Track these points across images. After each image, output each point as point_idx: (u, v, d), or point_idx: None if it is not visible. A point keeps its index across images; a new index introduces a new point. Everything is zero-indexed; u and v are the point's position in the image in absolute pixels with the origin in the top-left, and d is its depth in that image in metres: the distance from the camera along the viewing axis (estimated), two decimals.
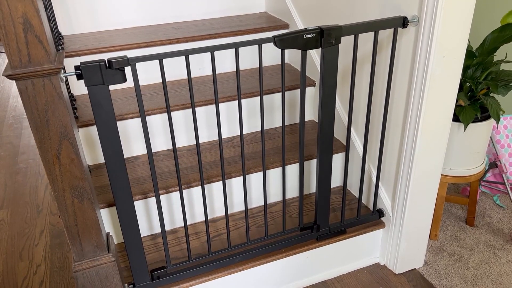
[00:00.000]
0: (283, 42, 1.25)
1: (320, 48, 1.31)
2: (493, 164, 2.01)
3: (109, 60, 1.11)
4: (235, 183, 1.75)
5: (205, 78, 2.07)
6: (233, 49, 2.06)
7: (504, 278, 1.70)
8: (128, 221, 1.33)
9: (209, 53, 2.05)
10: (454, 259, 1.79)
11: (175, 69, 2.04)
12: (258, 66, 2.16)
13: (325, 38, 1.28)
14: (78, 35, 2.07)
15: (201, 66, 2.08)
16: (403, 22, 1.35)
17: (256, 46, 2.11)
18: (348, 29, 1.31)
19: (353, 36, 1.66)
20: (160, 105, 1.82)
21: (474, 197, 1.92)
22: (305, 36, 1.26)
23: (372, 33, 1.57)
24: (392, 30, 1.45)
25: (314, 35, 1.27)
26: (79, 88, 1.94)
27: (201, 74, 2.09)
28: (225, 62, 2.11)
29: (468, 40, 1.45)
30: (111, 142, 1.21)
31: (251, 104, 1.94)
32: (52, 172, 1.15)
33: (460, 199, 2.03)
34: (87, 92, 1.95)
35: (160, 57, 1.16)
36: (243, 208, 1.82)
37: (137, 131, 1.82)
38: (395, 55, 1.45)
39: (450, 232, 1.94)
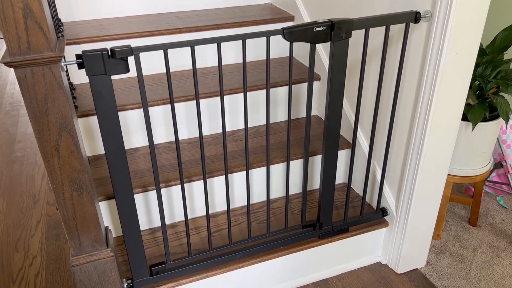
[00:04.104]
0: (292, 35, 1.21)
1: (329, 42, 1.27)
2: (499, 164, 1.98)
3: (112, 49, 1.07)
4: (237, 177, 1.71)
5: (207, 70, 2.03)
6: (237, 41, 2.02)
7: (507, 280, 1.68)
8: (127, 215, 1.30)
9: (211, 45, 2.01)
10: (456, 259, 1.77)
11: (177, 60, 2.00)
12: (261, 58, 2.13)
13: (335, 31, 1.24)
14: (78, 22, 2.02)
15: (203, 57, 2.03)
16: (416, 17, 1.31)
17: (260, 38, 2.07)
18: (359, 23, 1.27)
19: (359, 30, 1.62)
20: (161, 96, 1.77)
21: (478, 197, 1.89)
22: (315, 29, 1.22)
23: (380, 28, 1.53)
24: (402, 25, 1.42)
25: (324, 28, 1.23)
26: (79, 77, 1.90)
27: (203, 65, 2.05)
28: (228, 54, 2.06)
29: None
30: (112, 133, 1.17)
31: (253, 98, 1.90)
32: (51, 164, 1.11)
33: (463, 199, 2.00)
34: (87, 81, 1.91)
35: (164, 48, 1.12)
36: (244, 204, 1.78)
37: (137, 122, 1.78)
38: (405, 51, 1.41)
39: (453, 232, 1.92)
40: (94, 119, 1.71)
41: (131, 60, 1.83)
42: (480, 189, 1.88)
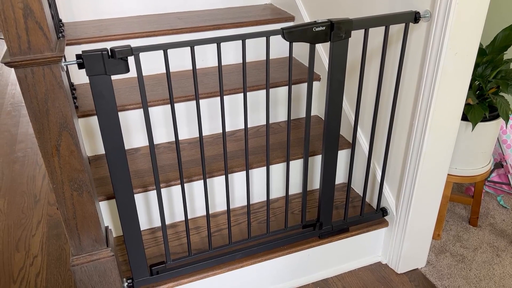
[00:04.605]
0: (291, 35, 1.21)
1: (329, 42, 1.27)
2: (499, 164, 1.98)
3: (112, 49, 1.07)
4: (237, 177, 1.72)
5: (207, 70, 2.03)
6: (237, 41, 2.02)
7: (507, 280, 1.68)
8: (128, 214, 1.30)
9: (211, 45, 2.01)
10: (457, 259, 1.77)
11: (177, 60, 2.00)
12: (262, 59, 2.13)
13: (335, 31, 1.24)
14: (79, 22, 2.03)
15: (203, 57, 2.03)
16: (415, 17, 1.31)
17: (261, 38, 2.07)
18: (358, 23, 1.27)
19: (359, 31, 1.62)
20: (162, 96, 1.78)
21: (479, 197, 1.89)
22: (315, 29, 1.22)
23: (380, 28, 1.53)
24: (402, 25, 1.42)
25: (324, 28, 1.23)
26: (79, 77, 1.90)
27: (204, 65, 2.05)
28: (228, 54, 2.06)
29: None
30: (112, 133, 1.18)
31: (254, 98, 1.90)
32: (51, 164, 1.12)
33: (464, 199, 2.00)
34: (88, 82, 1.92)
35: (164, 48, 1.12)
36: (244, 203, 1.79)
37: (138, 122, 1.78)
38: (405, 51, 1.41)
39: (453, 232, 1.92)
40: (94, 119, 1.71)
41: (131, 60, 1.83)
42: (480, 189, 1.88)
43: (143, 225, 1.67)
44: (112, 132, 1.18)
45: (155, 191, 1.61)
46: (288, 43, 2.12)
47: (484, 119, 1.66)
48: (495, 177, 2.10)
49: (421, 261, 1.73)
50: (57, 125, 1.08)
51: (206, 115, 1.86)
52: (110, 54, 1.08)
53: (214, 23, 1.98)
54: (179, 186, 1.63)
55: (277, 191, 1.82)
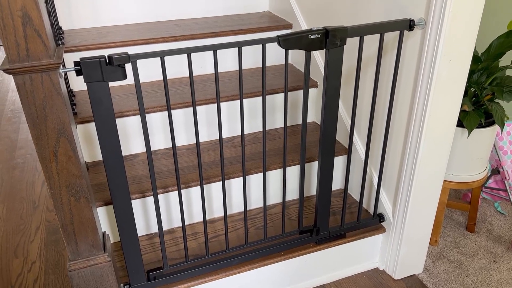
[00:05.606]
0: (287, 42, 1.22)
1: (324, 49, 1.28)
2: (496, 170, 1.99)
3: (110, 57, 1.08)
4: (234, 183, 1.73)
5: (206, 77, 2.04)
6: (235, 48, 2.04)
7: (505, 286, 1.68)
8: (125, 220, 1.31)
9: (210, 52, 2.03)
10: (454, 265, 1.78)
11: (176, 67, 2.02)
12: (260, 65, 2.15)
13: (330, 39, 1.26)
14: (78, 30, 2.05)
15: (202, 64, 2.05)
16: (410, 25, 1.33)
17: (259, 46, 2.09)
18: (353, 31, 1.29)
19: (356, 38, 1.64)
20: (160, 103, 1.79)
21: (476, 203, 1.90)
22: (310, 36, 1.24)
23: (376, 35, 1.54)
24: (397, 32, 1.43)
25: (319, 35, 1.25)
26: (78, 84, 1.92)
27: (202, 72, 2.07)
28: (227, 61, 2.08)
29: None
30: (109, 139, 1.19)
31: (252, 104, 1.91)
32: (49, 169, 1.13)
33: (461, 205, 2.01)
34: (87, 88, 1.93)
35: (161, 55, 1.14)
36: (242, 209, 1.79)
37: (136, 128, 1.79)
38: (400, 58, 1.42)
39: (450, 238, 1.92)
40: (93, 125, 1.72)
41: (129, 67, 1.85)
42: (477, 195, 1.89)
43: (141, 230, 1.67)
44: (109, 138, 1.19)
45: (152, 197, 1.62)
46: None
47: (480, 126, 1.67)
48: (492, 183, 2.11)
49: (418, 267, 1.73)
50: (55, 131, 1.09)
51: (204, 121, 1.88)
52: (107, 61, 1.09)
53: (212, 30, 2.00)
54: (177, 192, 1.64)
55: (274, 197, 1.83)
